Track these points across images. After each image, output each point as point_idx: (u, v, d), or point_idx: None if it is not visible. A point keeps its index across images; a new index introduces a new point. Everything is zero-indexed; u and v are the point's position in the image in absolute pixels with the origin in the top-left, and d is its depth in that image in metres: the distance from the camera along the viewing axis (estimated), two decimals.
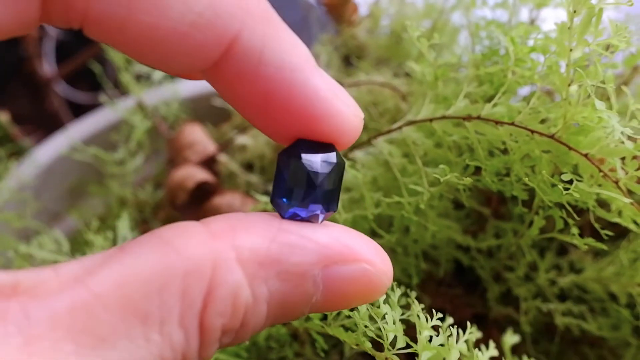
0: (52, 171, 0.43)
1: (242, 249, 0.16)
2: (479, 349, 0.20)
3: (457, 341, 0.20)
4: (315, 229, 0.18)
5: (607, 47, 0.23)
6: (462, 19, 0.33)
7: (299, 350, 0.31)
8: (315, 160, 0.18)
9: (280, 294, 0.17)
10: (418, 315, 0.21)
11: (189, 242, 0.16)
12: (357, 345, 0.22)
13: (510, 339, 0.18)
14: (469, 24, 0.31)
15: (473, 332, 0.20)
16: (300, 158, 0.18)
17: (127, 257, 0.15)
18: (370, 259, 0.18)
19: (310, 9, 0.41)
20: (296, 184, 0.18)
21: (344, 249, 0.18)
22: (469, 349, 0.20)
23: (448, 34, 0.36)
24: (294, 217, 0.18)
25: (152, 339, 0.15)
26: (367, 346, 0.22)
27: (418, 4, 0.38)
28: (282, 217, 0.18)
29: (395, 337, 0.21)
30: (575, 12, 0.22)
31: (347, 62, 0.40)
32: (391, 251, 0.30)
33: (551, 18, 0.34)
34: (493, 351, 0.19)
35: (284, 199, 0.18)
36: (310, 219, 0.18)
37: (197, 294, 0.16)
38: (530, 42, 0.27)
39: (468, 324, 0.21)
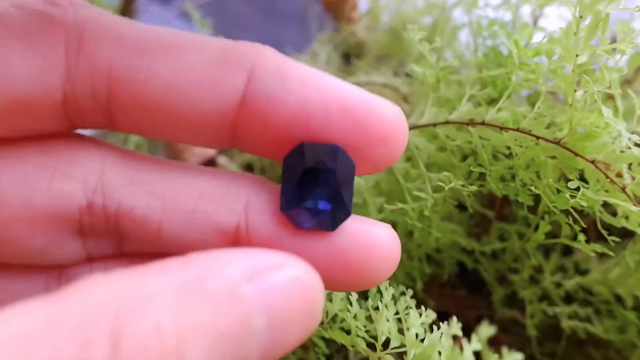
0: None
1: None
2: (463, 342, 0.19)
3: (440, 337, 0.20)
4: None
5: (614, 48, 0.23)
6: (464, 16, 0.33)
7: (303, 356, 0.31)
8: (321, 160, 0.18)
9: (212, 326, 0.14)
10: (407, 312, 0.21)
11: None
12: (352, 346, 0.22)
13: (486, 330, 0.17)
14: (471, 23, 0.31)
15: (457, 328, 0.20)
16: (305, 159, 0.18)
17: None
18: (294, 261, 0.16)
19: (309, 7, 0.41)
20: (300, 182, 0.18)
21: (268, 254, 0.16)
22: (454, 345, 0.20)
23: (449, 31, 0.36)
24: (303, 221, 0.18)
25: None
26: (361, 346, 0.22)
27: (418, 1, 0.38)
28: (296, 224, 0.18)
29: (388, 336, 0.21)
30: (581, 17, 0.21)
31: (347, 59, 0.40)
32: None
33: (555, 14, 0.33)
34: (476, 345, 0.18)
35: (291, 200, 0.18)
36: (321, 223, 0.18)
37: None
38: (534, 42, 0.27)
39: (454, 318, 0.20)
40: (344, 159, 0.18)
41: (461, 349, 0.18)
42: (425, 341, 0.20)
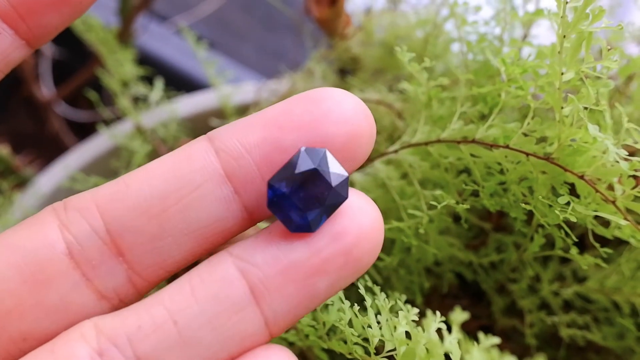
0: (56, 200, 0.43)
1: None
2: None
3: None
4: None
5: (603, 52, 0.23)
6: (455, 30, 0.33)
7: None
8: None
9: None
10: (396, 312, 0.21)
11: None
12: (350, 354, 0.22)
13: (489, 340, 0.18)
14: (461, 39, 0.31)
15: (438, 321, 0.20)
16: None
17: None
18: None
19: (302, 25, 0.41)
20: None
21: None
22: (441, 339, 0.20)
23: (442, 44, 0.36)
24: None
25: None
26: (359, 352, 0.22)
27: (410, 15, 0.38)
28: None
29: (384, 340, 0.21)
30: (565, 36, 0.22)
31: (342, 75, 0.40)
32: (394, 271, 0.30)
33: (546, 23, 0.33)
34: (457, 334, 0.19)
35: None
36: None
37: None
38: (524, 55, 0.27)
39: (438, 313, 0.21)
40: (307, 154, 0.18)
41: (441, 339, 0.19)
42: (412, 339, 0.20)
